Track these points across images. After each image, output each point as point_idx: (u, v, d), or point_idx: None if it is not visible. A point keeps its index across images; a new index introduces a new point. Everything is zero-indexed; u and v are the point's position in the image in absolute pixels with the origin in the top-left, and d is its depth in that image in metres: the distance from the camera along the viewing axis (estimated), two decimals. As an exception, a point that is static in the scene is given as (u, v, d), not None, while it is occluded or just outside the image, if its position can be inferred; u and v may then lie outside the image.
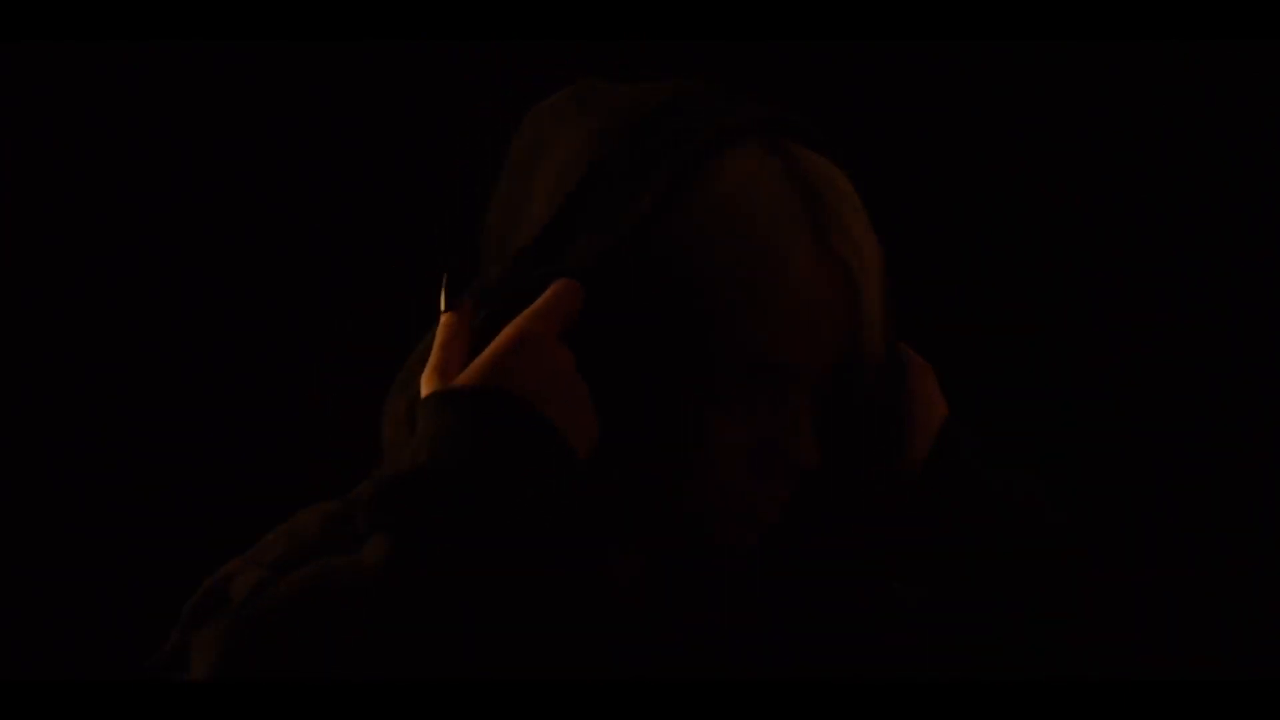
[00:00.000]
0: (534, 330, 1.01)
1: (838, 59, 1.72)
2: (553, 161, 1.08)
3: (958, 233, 1.76)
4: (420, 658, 0.93)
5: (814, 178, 1.06)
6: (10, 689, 1.13)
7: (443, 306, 1.06)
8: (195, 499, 1.72)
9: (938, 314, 1.43)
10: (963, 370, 1.28)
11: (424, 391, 1.01)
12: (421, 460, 0.96)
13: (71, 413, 1.72)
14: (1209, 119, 1.73)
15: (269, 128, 1.72)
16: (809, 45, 1.69)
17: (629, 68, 1.20)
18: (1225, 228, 1.75)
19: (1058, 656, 1.12)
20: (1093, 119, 1.75)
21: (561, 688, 1.03)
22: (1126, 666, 1.11)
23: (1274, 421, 1.75)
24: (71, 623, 1.69)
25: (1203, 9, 1.65)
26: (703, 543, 1.09)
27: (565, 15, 1.65)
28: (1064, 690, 1.09)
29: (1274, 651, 1.65)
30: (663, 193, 1.03)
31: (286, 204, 1.73)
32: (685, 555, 1.12)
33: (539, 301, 1.02)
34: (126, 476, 1.71)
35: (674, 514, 1.08)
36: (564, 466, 0.99)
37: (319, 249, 1.76)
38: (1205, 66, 1.72)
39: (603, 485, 1.07)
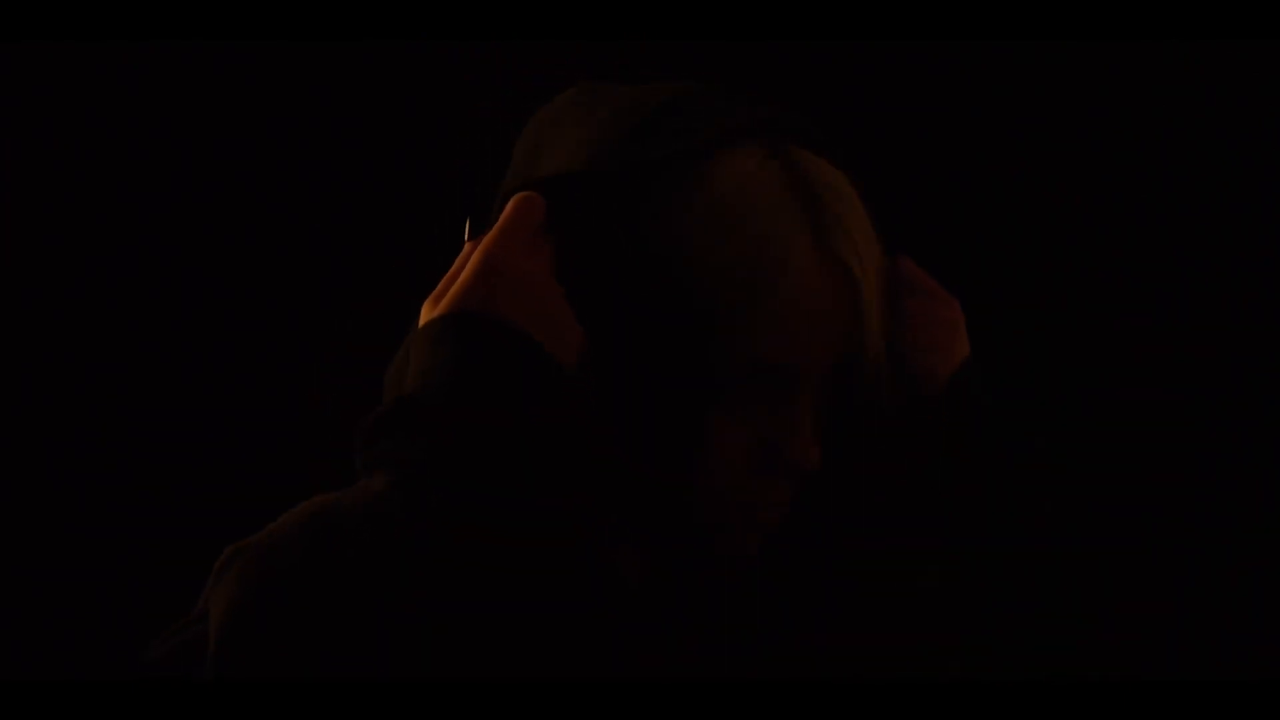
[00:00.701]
0: (497, 250, 1.01)
1: (837, 59, 1.71)
2: (553, 163, 1.08)
3: (958, 233, 1.76)
4: (425, 584, 0.92)
5: (814, 179, 1.06)
6: (10, 689, 1.13)
7: (466, 237, 1.07)
8: (195, 498, 1.71)
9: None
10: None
11: (420, 322, 1.02)
12: (407, 391, 0.97)
13: (71, 412, 1.72)
14: (1209, 119, 1.73)
15: (269, 128, 1.72)
16: (809, 45, 1.69)
17: (629, 68, 1.20)
18: (1225, 228, 1.75)
19: (1060, 645, 1.12)
20: (1093, 119, 1.75)
21: (562, 687, 1.03)
22: (1127, 657, 1.11)
23: (1275, 421, 1.75)
24: (71, 623, 1.68)
25: (1203, 9, 1.64)
26: (704, 550, 1.09)
27: (565, 15, 1.65)
28: (1065, 690, 1.09)
29: (1274, 651, 1.65)
30: (662, 188, 1.03)
31: (286, 204, 1.73)
32: (688, 557, 1.12)
33: (500, 220, 1.03)
34: (126, 476, 1.71)
35: (675, 516, 1.08)
36: (546, 375, 0.99)
37: (319, 249, 1.76)
38: (1205, 66, 1.72)
39: (605, 484, 1.06)
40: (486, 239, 1.02)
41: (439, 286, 1.03)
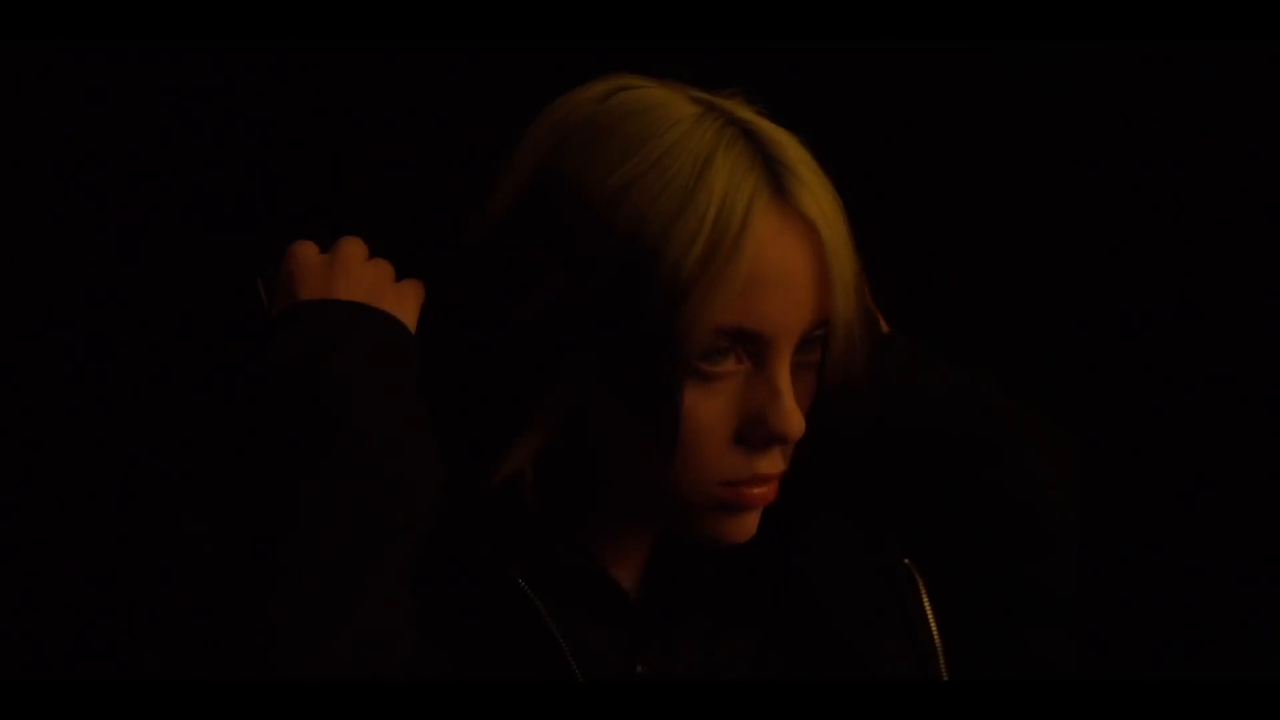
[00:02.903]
0: (301, 286, 1.10)
1: (836, 59, 1.71)
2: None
3: (956, 234, 1.76)
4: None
5: (772, 142, 1.06)
6: (10, 689, 1.13)
7: (268, 309, 1.11)
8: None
9: (935, 313, 1.43)
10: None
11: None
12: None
13: (69, 412, 1.72)
14: (1209, 119, 1.73)
15: (269, 128, 1.72)
16: (808, 45, 1.69)
17: (629, 68, 1.20)
18: (1225, 228, 1.74)
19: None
20: (1093, 119, 1.75)
21: (559, 688, 1.03)
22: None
23: (1275, 421, 1.75)
24: (69, 622, 1.69)
25: (1203, 9, 1.64)
26: (699, 541, 1.09)
27: (565, 15, 1.65)
28: (1063, 690, 1.09)
29: (1274, 651, 1.65)
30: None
31: (286, 203, 1.73)
32: (684, 551, 1.12)
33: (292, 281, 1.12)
34: (124, 476, 1.72)
35: (663, 502, 1.07)
36: (396, 335, 1.04)
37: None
38: (1205, 67, 1.72)
39: (585, 476, 1.06)
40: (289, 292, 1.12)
41: None
